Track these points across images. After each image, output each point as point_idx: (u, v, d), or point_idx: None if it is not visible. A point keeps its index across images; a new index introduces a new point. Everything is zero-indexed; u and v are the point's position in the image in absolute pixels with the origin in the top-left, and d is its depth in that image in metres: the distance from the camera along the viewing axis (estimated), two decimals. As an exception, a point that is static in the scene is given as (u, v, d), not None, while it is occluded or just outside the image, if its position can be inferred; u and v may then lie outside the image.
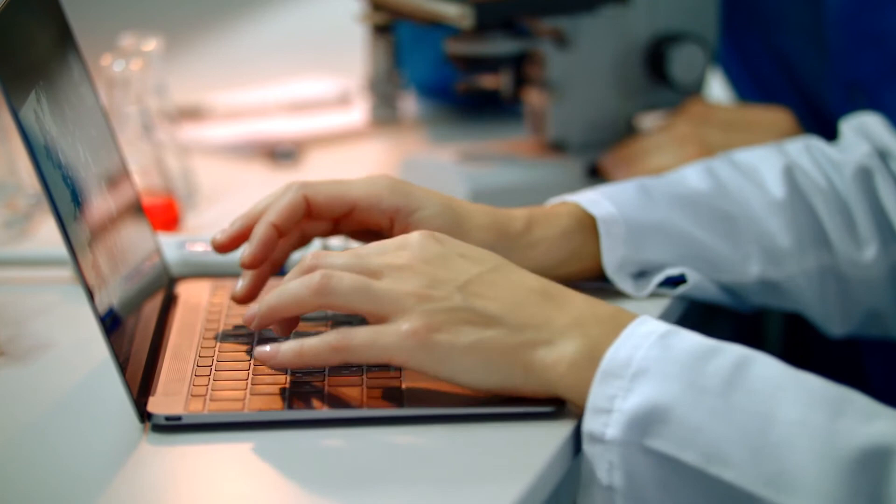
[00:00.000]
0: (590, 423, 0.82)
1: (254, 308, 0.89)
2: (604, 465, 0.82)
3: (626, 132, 1.37)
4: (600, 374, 0.82)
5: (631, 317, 0.85)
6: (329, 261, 0.87)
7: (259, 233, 0.96)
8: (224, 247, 0.99)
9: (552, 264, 1.02)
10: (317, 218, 0.98)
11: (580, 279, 1.04)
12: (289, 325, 0.91)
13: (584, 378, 0.83)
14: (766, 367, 0.81)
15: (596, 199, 1.04)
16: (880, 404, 0.80)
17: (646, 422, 0.80)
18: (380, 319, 0.85)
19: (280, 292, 0.88)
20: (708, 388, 0.80)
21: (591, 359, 0.83)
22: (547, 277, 0.98)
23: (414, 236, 0.89)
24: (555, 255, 1.02)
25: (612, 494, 0.82)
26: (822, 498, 0.77)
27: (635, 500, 0.81)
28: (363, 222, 0.98)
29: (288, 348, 0.87)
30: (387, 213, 0.97)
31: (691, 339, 0.83)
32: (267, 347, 0.87)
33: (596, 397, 0.82)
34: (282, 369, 0.89)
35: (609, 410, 0.81)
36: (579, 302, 0.87)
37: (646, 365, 0.81)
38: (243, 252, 0.97)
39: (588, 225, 1.03)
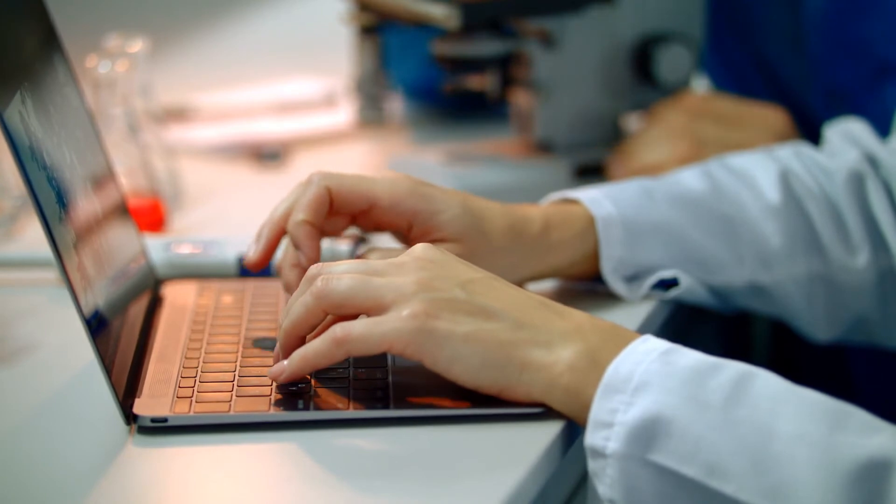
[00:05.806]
0: (591, 438, 0.82)
1: (279, 365, 0.88)
2: (605, 479, 0.81)
3: (612, 132, 1.37)
4: (602, 389, 0.82)
5: (630, 333, 0.86)
6: (331, 268, 0.88)
7: (294, 234, 0.96)
8: (259, 264, 0.98)
9: (566, 265, 1.03)
10: (336, 213, 0.98)
11: (585, 278, 1.05)
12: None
13: (581, 381, 0.83)
14: (766, 382, 0.81)
15: (597, 198, 1.04)
16: (880, 419, 0.79)
17: (647, 435, 0.80)
18: (381, 312, 0.85)
19: (289, 311, 0.88)
20: (709, 402, 0.80)
21: (589, 362, 0.83)
22: (557, 276, 1.03)
23: (417, 246, 0.89)
24: (570, 256, 1.03)
25: None
26: None
27: None
28: (381, 221, 0.98)
29: (294, 356, 0.87)
30: (405, 216, 0.97)
31: (692, 356, 0.82)
32: (276, 367, 0.87)
33: (597, 412, 0.81)
34: (296, 379, 0.88)
35: (610, 424, 0.81)
36: (578, 314, 0.87)
37: (647, 378, 0.81)
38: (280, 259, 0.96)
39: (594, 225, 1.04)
